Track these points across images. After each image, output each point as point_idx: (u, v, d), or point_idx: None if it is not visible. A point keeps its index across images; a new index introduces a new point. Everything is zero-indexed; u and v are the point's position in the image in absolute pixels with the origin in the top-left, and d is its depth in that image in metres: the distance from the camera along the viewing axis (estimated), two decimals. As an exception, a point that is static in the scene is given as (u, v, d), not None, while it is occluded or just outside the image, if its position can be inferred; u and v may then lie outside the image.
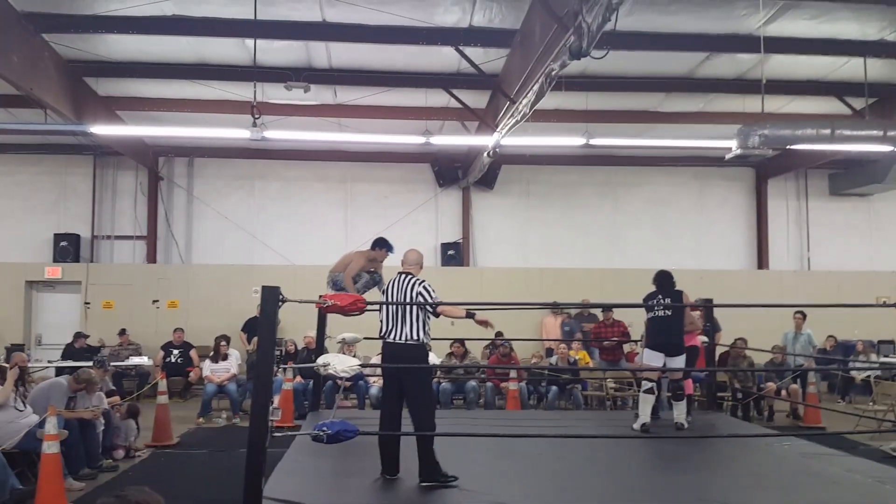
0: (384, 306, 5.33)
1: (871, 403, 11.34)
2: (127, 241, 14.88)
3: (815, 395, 11.18)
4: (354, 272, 7.15)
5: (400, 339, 5.25)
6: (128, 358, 12.64)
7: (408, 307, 5.22)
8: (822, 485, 5.50)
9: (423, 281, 5.45)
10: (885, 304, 5.46)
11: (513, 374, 10.92)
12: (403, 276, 5.50)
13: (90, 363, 9.25)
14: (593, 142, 11.49)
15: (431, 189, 15.40)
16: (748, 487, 5.36)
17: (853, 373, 12.41)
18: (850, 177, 15.31)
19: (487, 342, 12.38)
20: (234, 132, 10.50)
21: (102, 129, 11.24)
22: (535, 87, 8.27)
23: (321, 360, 4.77)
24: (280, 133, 11.25)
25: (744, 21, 9.12)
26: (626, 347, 12.24)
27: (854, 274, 15.15)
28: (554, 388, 11.27)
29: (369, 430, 5.11)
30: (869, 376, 11.65)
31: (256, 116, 9.37)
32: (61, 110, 10.29)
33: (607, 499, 5.08)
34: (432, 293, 5.37)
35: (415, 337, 5.23)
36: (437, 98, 11.65)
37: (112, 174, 14.94)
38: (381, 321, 5.37)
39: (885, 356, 13.42)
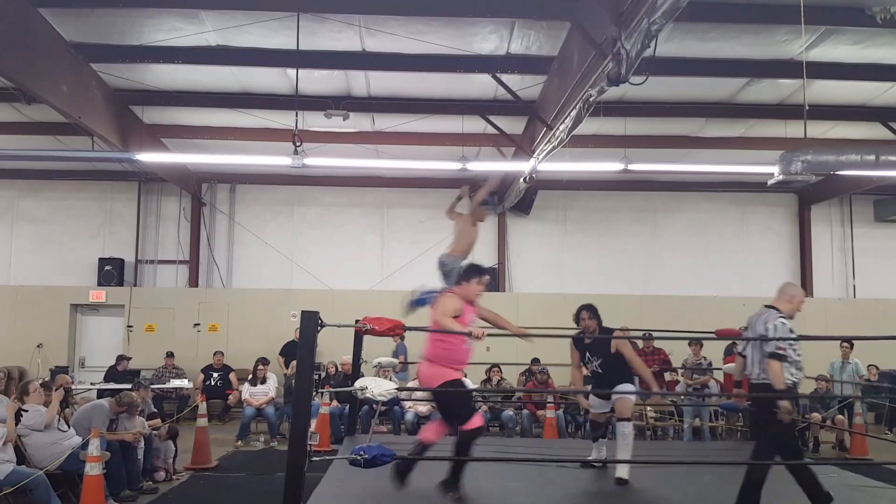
0: None
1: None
2: (170, 266, 15.16)
3: (861, 426, 10.86)
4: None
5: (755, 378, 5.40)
6: (169, 381, 12.80)
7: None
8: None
9: (781, 315, 5.37)
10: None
11: (549, 401, 10.81)
12: (766, 308, 5.51)
13: (131, 386, 9.39)
14: (632, 167, 11.42)
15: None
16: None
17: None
18: (895, 203, 14.97)
19: (524, 369, 12.28)
20: (276, 159, 10.66)
21: (147, 157, 11.50)
22: (573, 113, 8.29)
23: (358, 383, 4.78)
24: (319, 160, 11.40)
25: (785, 46, 9.04)
26: (667, 376, 12.03)
27: (900, 303, 14.75)
28: (592, 416, 11.08)
29: (405, 456, 5.11)
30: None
31: (298, 144, 9.51)
32: (108, 138, 10.56)
33: None
34: (776, 330, 5.27)
35: (761, 376, 5.32)
36: (473, 125, 11.71)
37: (156, 200, 15.28)
38: None
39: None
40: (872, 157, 9.96)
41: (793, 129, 11.27)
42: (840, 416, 11.00)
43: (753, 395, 5.51)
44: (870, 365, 12.70)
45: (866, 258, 15.56)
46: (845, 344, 11.94)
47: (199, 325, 14.47)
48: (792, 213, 15.83)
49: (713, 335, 7.83)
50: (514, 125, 11.67)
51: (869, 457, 10.06)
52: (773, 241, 15.75)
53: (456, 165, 11.51)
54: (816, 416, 10.88)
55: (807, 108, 9.50)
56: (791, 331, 5.34)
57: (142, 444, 7.84)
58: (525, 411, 11.30)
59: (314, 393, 6.49)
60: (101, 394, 10.93)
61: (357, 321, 5.34)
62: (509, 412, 11.26)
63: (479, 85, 10.41)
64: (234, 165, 13.83)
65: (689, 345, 11.46)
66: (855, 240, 15.67)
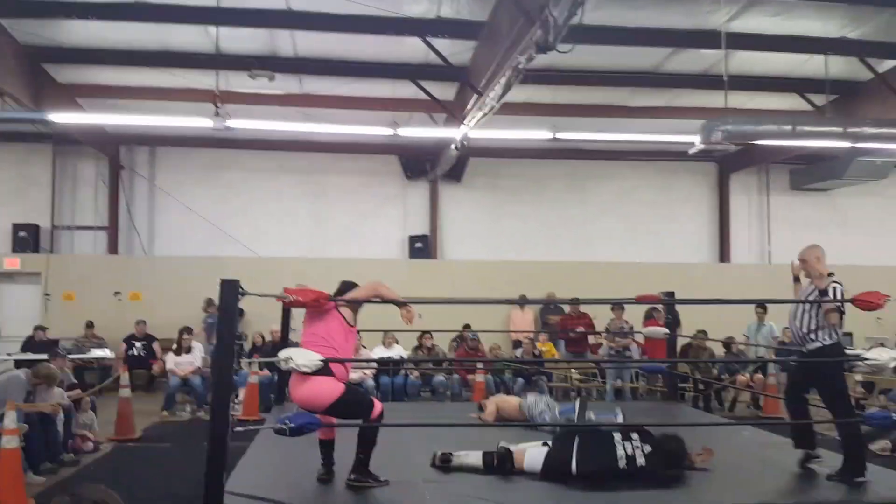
0: None
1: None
2: (88, 232, 14.62)
3: (775, 387, 11.39)
4: None
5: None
6: (90, 351, 12.43)
7: None
8: (778, 474, 5.60)
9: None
10: (840, 301, 5.53)
11: (479, 366, 10.98)
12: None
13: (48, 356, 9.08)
14: (560, 135, 11.55)
15: (399, 181, 15.36)
16: (706, 475, 5.44)
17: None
18: (810, 172, 15.58)
19: (455, 335, 12.42)
20: (197, 121, 10.35)
21: (62, 118, 10.99)
22: (503, 80, 8.28)
23: (282, 353, 4.71)
24: (244, 122, 11.11)
25: (708, 17, 9.21)
26: (591, 340, 12.36)
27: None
28: (520, 379, 11.34)
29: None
30: (844, 368, 11.93)
31: (218, 105, 9.24)
32: (19, 97, 10.07)
33: (565, 488, 5.11)
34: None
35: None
36: (404, 90, 11.59)
37: (72, 163, 14.66)
38: None
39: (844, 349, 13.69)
40: (789, 128, 10.36)
41: (714, 99, 11.57)
42: (759, 376, 11.52)
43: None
44: (785, 327, 13.28)
45: (782, 225, 16.18)
46: (760, 308, 12.45)
47: (119, 293, 14.04)
48: (712, 181, 16.33)
49: (634, 301, 8.04)
50: (445, 91, 11.61)
51: (781, 416, 10.57)
52: (694, 209, 16.23)
53: (387, 131, 11.42)
54: (742, 378, 11.38)
55: (727, 78, 9.78)
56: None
57: (62, 415, 7.62)
58: (455, 376, 11.46)
59: (239, 362, 6.39)
60: (18, 365, 10.52)
61: (284, 290, 5.22)
62: (440, 377, 11.40)
63: (410, 49, 10.28)
64: (153, 127, 13.33)
65: (612, 310, 11.76)
66: (771, 207, 16.29)
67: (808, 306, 5.57)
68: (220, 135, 11.52)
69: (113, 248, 14.60)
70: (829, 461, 5.59)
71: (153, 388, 12.37)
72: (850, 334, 14.45)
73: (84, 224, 14.60)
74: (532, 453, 5.35)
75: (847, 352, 11.86)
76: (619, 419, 7.04)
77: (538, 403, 7.22)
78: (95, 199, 14.60)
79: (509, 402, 7.56)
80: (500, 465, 5.31)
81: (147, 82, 11.49)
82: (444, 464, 5.42)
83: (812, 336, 5.53)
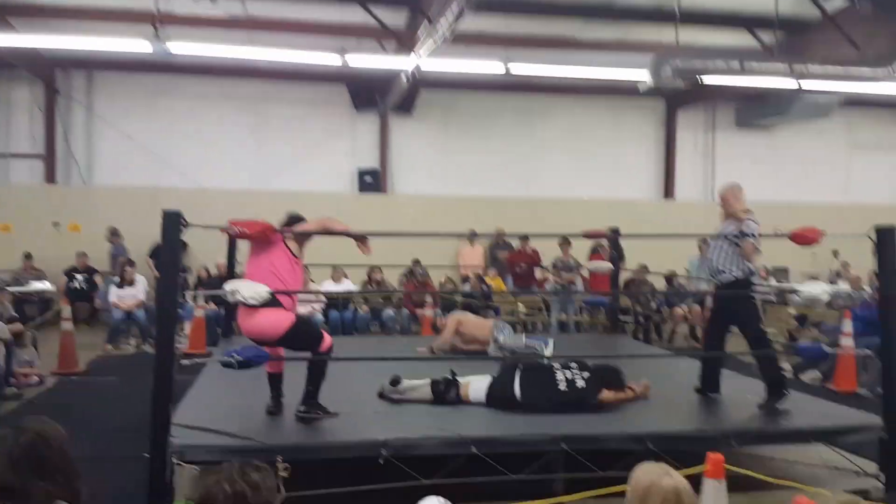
0: None
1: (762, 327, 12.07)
2: (23, 160, 14.03)
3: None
4: None
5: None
6: (28, 283, 12.10)
7: None
8: (713, 402, 5.86)
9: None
10: (778, 234, 5.72)
11: (428, 300, 11.08)
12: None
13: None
14: (512, 68, 11.43)
15: (348, 112, 15.05)
16: (643, 403, 5.66)
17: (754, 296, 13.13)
18: (756, 110, 15.76)
19: (405, 270, 12.45)
20: (136, 44, 9.91)
21: (-9, 38, 10.42)
22: (455, 7, 8.11)
23: (228, 285, 4.65)
24: (185, 46, 10.66)
25: (662, -50, 9.13)
26: (538, 274, 12.55)
27: (755, 204, 15.67)
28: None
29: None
30: (754, 299, 12.39)
31: (158, 28, 8.85)
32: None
33: (509, 414, 5.27)
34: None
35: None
36: (353, 15, 11.27)
37: (5, 88, 13.92)
38: None
39: (780, 282, 14.21)
40: (737, 65, 10.44)
41: (666, 34, 11.55)
42: (696, 308, 11.89)
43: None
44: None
45: (726, 162, 16.45)
46: (704, 243, 12.75)
47: (58, 224, 13.61)
48: (660, 118, 16.43)
49: (581, 235, 8.17)
50: (395, 18, 11.34)
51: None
52: (641, 146, 16.36)
53: (335, 59, 11.13)
54: (680, 311, 11.73)
55: (679, 13, 9.75)
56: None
57: (3, 349, 7.46)
58: (404, 310, 11.55)
59: (184, 295, 6.31)
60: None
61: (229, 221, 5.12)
62: (389, 311, 11.48)
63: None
64: (90, 51, 12.68)
65: (559, 245, 11.91)
66: (717, 145, 16.52)
67: (722, 242, 5.80)
68: (161, 59, 11.08)
69: (50, 177, 14.07)
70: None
71: (95, 322, 12.18)
72: (786, 269, 15.01)
73: (19, 151, 14.00)
74: (476, 384, 5.48)
75: (783, 286, 12.36)
76: (550, 348, 7.29)
77: (504, 328, 7.48)
78: (31, 125, 13.97)
79: (478, 322, 7.73)
80: (447, 391, 5.43)
81: (84, 2, 10.94)
82: (393, 385, 5.51)
83: (723, 270, 5.75)
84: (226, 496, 1.85)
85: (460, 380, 5.50)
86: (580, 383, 5.36)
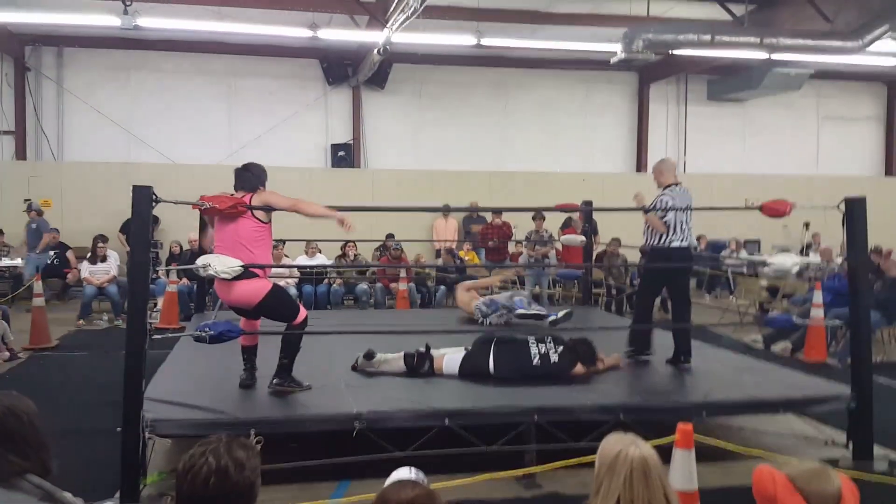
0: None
1: (733, 298, 12.32)
2: (-8, 137, 13.82)
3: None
4: None
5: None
6: (0, 259, 11.97)
7: None
8: (685, 374, 5.98)
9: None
10: (749, 207, 5.84)
11: (402, 275, 11.10)
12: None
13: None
14: (484, 41, 11.40)
15: (321, 87, 14.93)
16: (615, 375, 5.77)
17: (724, 268, 13.36)
18: (727, 82, 15.86)
19: (378, 244, 12.46)
20: (105, 19, 9.74)
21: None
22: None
23: (200, 260, 4.66)
24: (155, 21, 10.51)
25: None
26: (511, 248, 12.63)
27: (726, 177, 15.98)
28: (442, 287, 11.56)
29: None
30: (726, 270, 12.63)
31: (128, 3, 8.71)
32: None
33: (482, 386, 5.34)
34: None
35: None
36: (324, -12, 11.14)
37: (-28, 63, 13.66)
38: None
39: (751, 255, 14.43)
40: (708, 37, 10.50)
41: (637, 7, 11.58)
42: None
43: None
44: (699, 235, 13.86)
45: (697, 135, 16.58)
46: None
47: (30, 200, 13.40)
48: (632, 91, 16.48)
49: (554, 208, 8.24)
50: (367, -9, 11.20)
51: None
52: (613, 119, 16.40)
53: (306, 33, 11.03)
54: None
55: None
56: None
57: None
58: (378, 284, 11.58)
59: (156, 270, 6.28)
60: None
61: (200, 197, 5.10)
62: (363, 286, 11.50)
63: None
64: (60, 26, 12.47)
65: (533, 219, 11.98)
66: (688, 117, 16.62)
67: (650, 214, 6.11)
68: (131, 34, 10.91)
69: (21, 153, 13.86)
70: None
71: (67, 297, 12.08)
72: (757, 241, 15.24)
73: (-12, 128, 13.77)
74: (450, 357, 5.54)
75: (753, 258, 12.57)
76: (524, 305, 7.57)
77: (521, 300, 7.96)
78: (1, 102, 13.71)
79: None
80: (420, 364, 5.48)
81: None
82: (367, 359, 5.56)
83: (649, 238, 6.15)
84: (209, 470, 1.82)
85: (434, 353, 5.56)
86: (553, 357, 5.44)
